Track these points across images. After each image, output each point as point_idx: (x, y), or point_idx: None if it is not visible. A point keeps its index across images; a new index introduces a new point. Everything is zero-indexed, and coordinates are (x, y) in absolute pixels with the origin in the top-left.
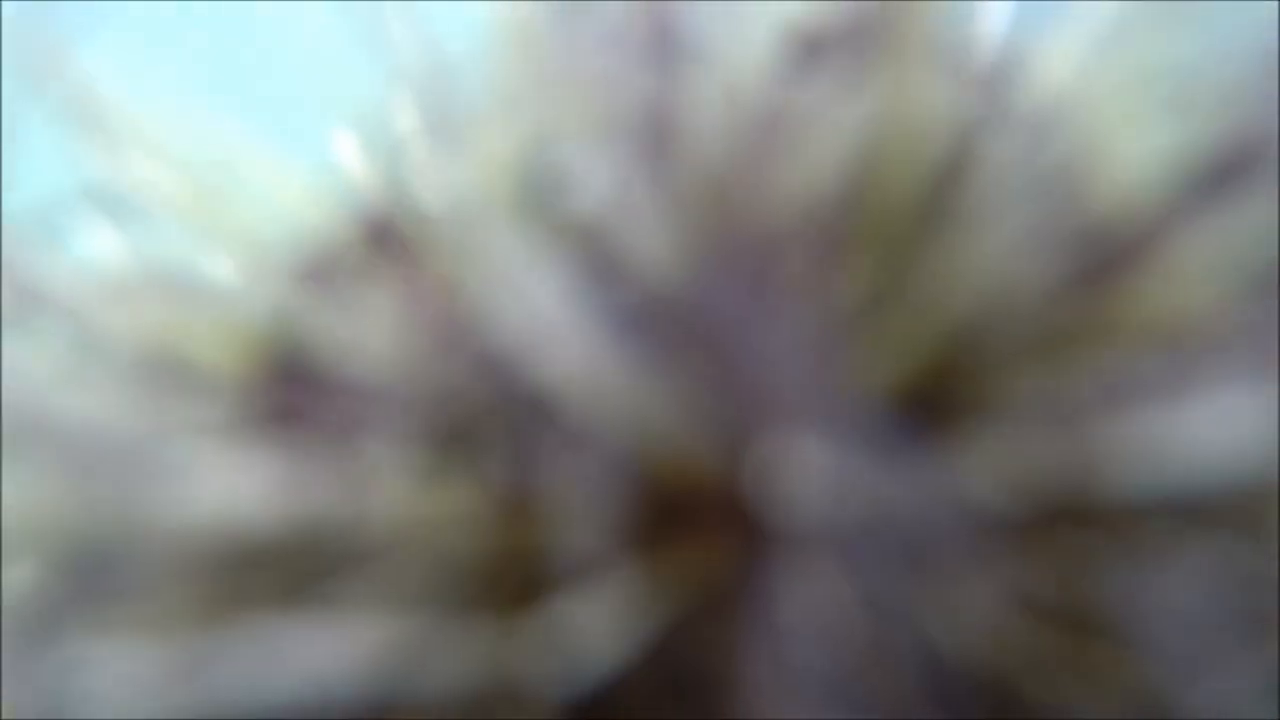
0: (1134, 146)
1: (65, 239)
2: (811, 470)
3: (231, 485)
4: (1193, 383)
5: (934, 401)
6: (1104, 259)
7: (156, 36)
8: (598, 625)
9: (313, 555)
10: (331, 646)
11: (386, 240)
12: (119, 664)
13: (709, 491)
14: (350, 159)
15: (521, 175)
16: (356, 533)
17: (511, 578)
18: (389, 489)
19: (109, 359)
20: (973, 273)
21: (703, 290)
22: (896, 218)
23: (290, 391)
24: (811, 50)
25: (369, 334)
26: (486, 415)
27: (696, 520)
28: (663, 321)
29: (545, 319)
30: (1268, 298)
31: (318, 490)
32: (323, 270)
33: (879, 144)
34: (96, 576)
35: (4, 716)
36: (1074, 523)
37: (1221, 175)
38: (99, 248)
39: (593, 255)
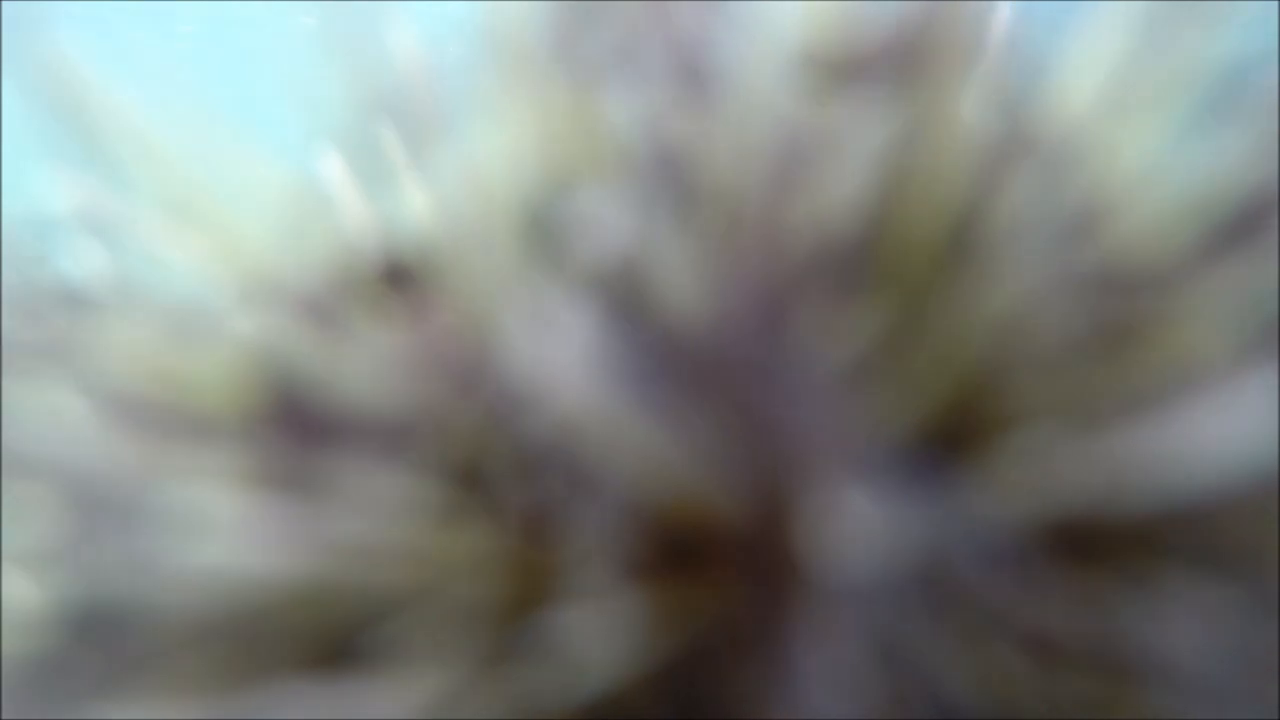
0: (1156, 182)
1: (59, 266)
2: (859, 521)
3: (243, 535)
4: (1205, 421)
5: (954, 443)
6: (1123, 301)
7: (154, 52)
8: (610, 666)
9: (331, 607)
10: (361, 709)
11: (395, 276)
12: None
13: (725, 534)
14: (354, 193)
15: (533, 210)
16: (373, 582)
17: (525, 618)
18: (402, 534)
19: (111, 401)
20: (993, 312)
21: (721, 330)
22: (918, 256)
23: (296, 433)
24: (834, 79)
25: (376, 372)
26: (499, 456)
27: (712, 563)
28: (679, 362)
29: (559, 358)
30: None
31: (331, 538)
32: (328, 306)
33: (902, 179)
34: (108, 635)
35: None
36: (1093, 561)
37: (1243, 219)
38: (95, 280)
39: (608, 293)
